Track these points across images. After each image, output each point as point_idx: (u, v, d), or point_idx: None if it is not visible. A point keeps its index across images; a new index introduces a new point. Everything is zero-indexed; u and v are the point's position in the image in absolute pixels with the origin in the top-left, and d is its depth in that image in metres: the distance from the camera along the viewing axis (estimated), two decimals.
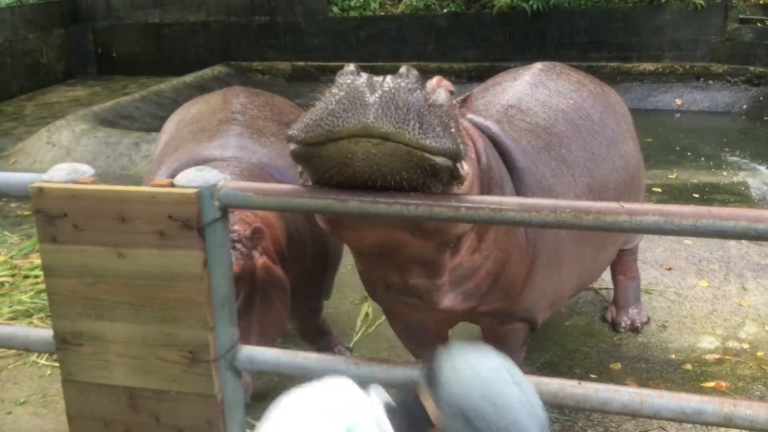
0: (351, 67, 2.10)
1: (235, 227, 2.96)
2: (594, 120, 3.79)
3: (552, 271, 3.31)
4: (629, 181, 4.02)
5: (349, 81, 2.05)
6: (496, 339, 3.42)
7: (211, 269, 2.09)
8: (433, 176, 2.08)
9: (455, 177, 2.12)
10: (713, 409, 1.91)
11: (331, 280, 4.11)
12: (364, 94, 2.01)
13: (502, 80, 3.91)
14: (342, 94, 2.03)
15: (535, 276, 3.18)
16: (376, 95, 2.01)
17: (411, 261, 2.59)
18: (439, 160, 2.04)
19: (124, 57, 14.81)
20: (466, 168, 2.19)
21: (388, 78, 2.06)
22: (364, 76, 2.07)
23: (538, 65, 4.05)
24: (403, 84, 2.04)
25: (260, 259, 3.07)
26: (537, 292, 3.27)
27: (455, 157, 2.10)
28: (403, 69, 2.09)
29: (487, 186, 2.85)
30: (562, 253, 3.34)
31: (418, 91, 2.06)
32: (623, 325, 4.60)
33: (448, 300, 2.92)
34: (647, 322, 4.64)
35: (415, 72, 2.11)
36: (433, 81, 2.26)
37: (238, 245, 2.97)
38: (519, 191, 3.15)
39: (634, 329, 4.57)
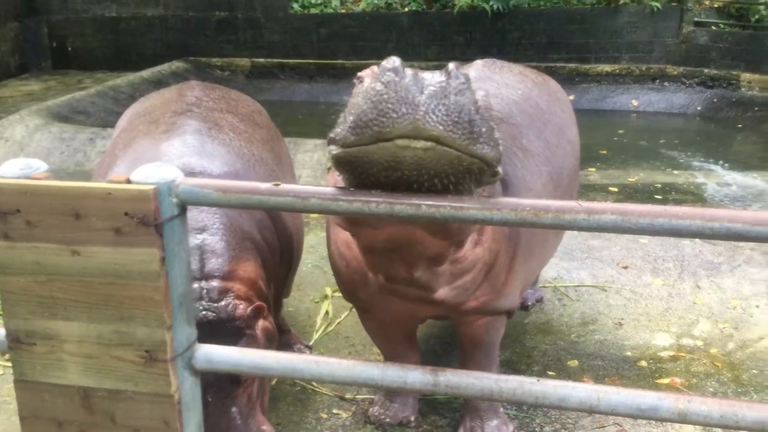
0: (396, 62, 2.00)
1: (237, 311, 2.89)
2: (543, 109, 3.87)
3: (526, 261, 3.37)
4: (576, 166, 4.17)
5: (396, 79, 1.96)
6: (475, 335, 3.42)
7: (169, 267, 2.06)
8: (477, 180, 2.05)
9: (494, 175, 2.10)
10: (668, 406, 1.93)
11: (292, 278, 4.09)
12: (412, 93, 1.93)
13: None
14: (391, 93, 1.94)
15: (516, 266, 3.24)
16: (425, 94, 1.93)
17: (421, 256, 2.57)
18: (485, 165, 2.00)
19: (80, 51, 14.55)
20: (500, 170, 2.17)
21: (436, 75, 1.98)
22: (409, 73, 1.98)
23: (479, 62, 4.09)
24: (453, 84, 1.96)
25: (261, 329, 2.98)
26: (517, 281, 3.32)
27: (498, 161, 2.06)
28: (451, 66, 2.01)
29: None
30: (533, 242, 3.40)
31: (468, 93, 1.99)
32: None
33: (444, 292, 2.93)
34: None
35: (464, 71, 2.03)
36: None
37: (247, 330, 2.90)
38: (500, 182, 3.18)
39: None
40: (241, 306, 2.92)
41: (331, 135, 2.07)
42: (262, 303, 2.98)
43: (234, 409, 2.88)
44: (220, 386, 2.83)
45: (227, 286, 2.96)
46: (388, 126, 1.92)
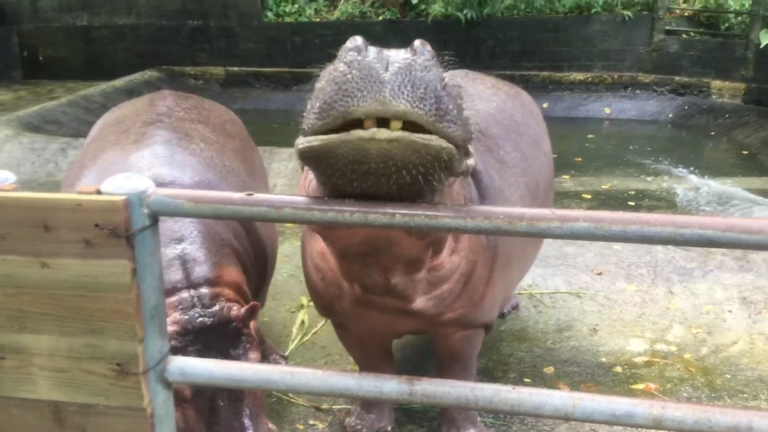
0: (358, 41, 1.93)
1: (232, 313, 2.92)
2: (518, 121, 3.86)
3: (505, 273, 3.33)
4: (551, 178, 4.17)
5: (359, 57, 1.89)
6: (452, 348, 3.40)
7: (141, 279, 2.03)
8: (447, 168, 1.98)
9: (466, 154, 2.05)
10: (643, 412, 1.94)
11: (267, 289, 4.07)
12: (377, 71, 1.86)
13: None
14: (354, 72, 1.87)
15: (495, 278, 3.19)
16: (391, 71, 1.87)
17: (397, 259, 2.51)
18: (453, 151, 1.94)
19: (51, 60, 14.43)
20: (471, 150, 2.12)
21: (401, 52, 1.92)
22: (373, 50, 1.91)
23: (451, 73, 4.07)
24: (419, 60, 1.90)
25: (253, 329, 3.01)
26: (495, 294, 3.28)
27: (468, 141, 2.01)
28: (417, 43, 1.95)
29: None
30: (512, 254, 3.37)
31: (435, 69, 1.93)
32: None
33: (421, 303, 2.88)
34: None
35: (429, 48, 1.97)
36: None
37: (245, 330, 2.94)
38: (478, 193, 3.16)
39: None
40: (234, 307, 2.94)
41: (303, 126, 2.01)
42: (255, 302, 3.00)
43: (246, 411, 2.91)
44: (231, 390, 2.86)
45: (217, 291, 2.98)
46: (353, 105, 1.86)
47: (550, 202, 4.15)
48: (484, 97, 3.81)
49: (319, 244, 2.91)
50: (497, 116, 3.71)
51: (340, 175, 1.96)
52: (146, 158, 3.28)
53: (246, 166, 3.79)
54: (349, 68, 1.89)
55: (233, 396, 2.89)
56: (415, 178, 1.93)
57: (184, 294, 2.91)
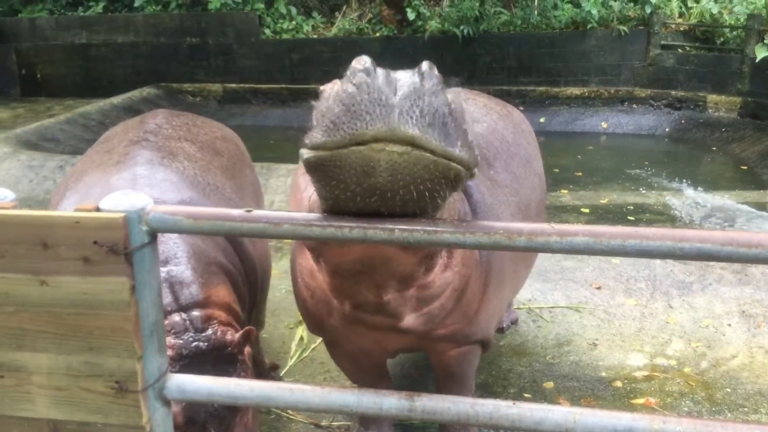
0: (366, 62, 1.91)
1: (227, 337, 2.87)
2: (509, 141, 3.85)
3: (499, 289, 3.32)
4: (543, 199, 4.17)
5: (368, 80, 1.88)
6: (448, 366, 3.37)
7: (139, 296, 2.03)
8: (454, 186, 1.97)
9: (471, 177, 2.04)
10: (644, 427, 1.93)
11: (262, 308, 4.03)
12: (386, 95, 1.85)
13: None
14: (363, 95, 1.86)
15: (488, 294, 3.17)
16: (400, 95, 1.85)
17: (391, 275, 2.49)
18: (462, 169, 1.94)
19: (50, 78, 14.49)
20: (476, 172, 2.12)
21: (409, 76, 1.91)
22: (381, 72, 1.89)
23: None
24: (427, 85, 1.90)
25: (246, 353, 2.96)
26: (490, 310, 3.25)
27: (476, 164, 2.02)
28: (425, 66, 1.94)
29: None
30: (505, 269, 3.36)
31: (442, 95, 1.93)
32: None
33: (411, 320, 2.84)
34: None
35: (436, 72, 1.97)
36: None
37: (240, 356, 2.88)
38: (470, 208, 3.15)
39: None
40: (229, 332, 2.89)
41: (306, 140, 1.98)
42: (251, 327, 2.95)
43: None
44: (221, 416, 2.80)
45: (208, 314, 2.92)
46: (362, 128, 1.84)
47: (541, 222, 4.13)
48: (475, 117, 3.80)
49: (308, 262, 2.88)
50: (488, 137, 3.70)
51: (344, 188, 1.93)
52: (127, 180, 3.26)
53: (233, 183, 3.76)
54: (358, 90, 1.87)
55: (224, 424, 2.82)
56: (421, 194, 1.91)
57: (176, 317, 2.86)
